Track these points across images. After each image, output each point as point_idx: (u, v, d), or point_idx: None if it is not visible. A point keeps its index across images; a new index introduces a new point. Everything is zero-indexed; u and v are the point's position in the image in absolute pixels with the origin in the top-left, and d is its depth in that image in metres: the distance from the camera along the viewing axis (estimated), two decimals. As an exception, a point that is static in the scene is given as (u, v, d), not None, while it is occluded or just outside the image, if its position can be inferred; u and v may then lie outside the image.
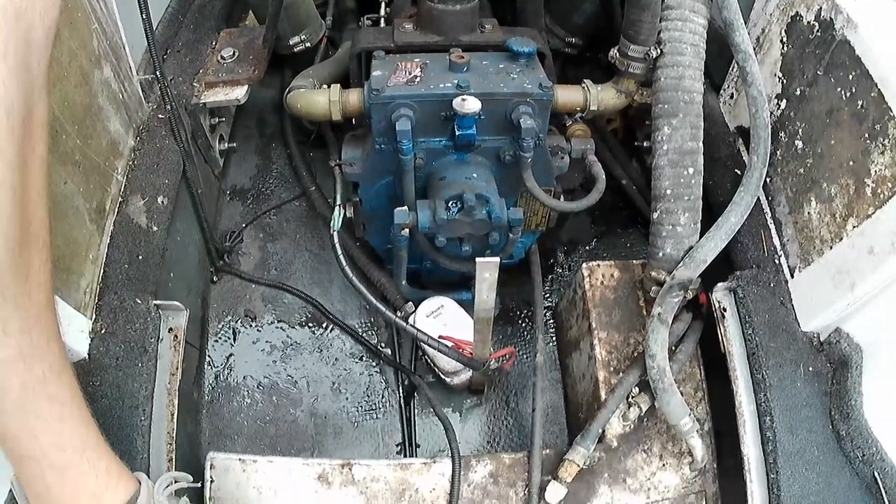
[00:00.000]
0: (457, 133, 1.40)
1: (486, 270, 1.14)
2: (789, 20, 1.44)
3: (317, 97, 1.54)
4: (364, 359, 1.82)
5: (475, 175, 1.45)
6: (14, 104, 0.68)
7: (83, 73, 1.33)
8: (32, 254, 0.76)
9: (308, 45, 1.93)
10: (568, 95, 1.60)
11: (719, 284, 1.42)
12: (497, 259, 1.11)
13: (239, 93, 1.76)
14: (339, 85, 1.54)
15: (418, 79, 1.43)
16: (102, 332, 1.27)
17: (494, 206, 1.38)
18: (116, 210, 1.44)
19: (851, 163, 1.23)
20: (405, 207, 1.41)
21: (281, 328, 1.85)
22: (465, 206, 1.36)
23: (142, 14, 1.44)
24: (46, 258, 0.81)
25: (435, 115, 1.41)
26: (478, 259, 1.12)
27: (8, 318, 0.73)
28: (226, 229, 2.00)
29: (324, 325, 1.86)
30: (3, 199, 0.68)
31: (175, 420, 1.35)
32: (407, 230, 1.41)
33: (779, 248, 1.43)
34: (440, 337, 1.54)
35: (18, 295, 0.73)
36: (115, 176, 1.45)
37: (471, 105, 1.34)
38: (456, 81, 1.40)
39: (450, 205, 1.38)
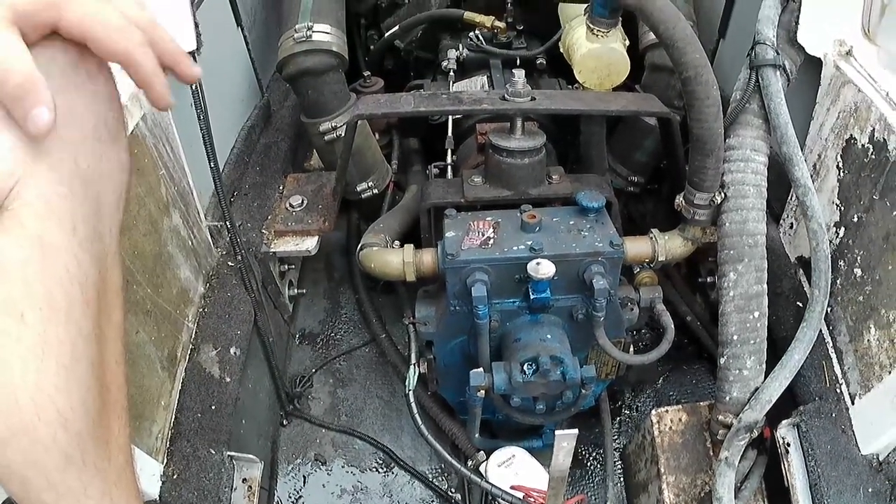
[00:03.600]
0: (531, 296, 1.42)
1: (565, 440, 1.16)
2: (844, 144, 1.41)
3: (390, 257, 1.55)
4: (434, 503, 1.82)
5: (549, 336, 1.45)
6: (88, 278, 0.66)
7: (152, 221, 1.33)
8: (112, 420, 0.76)
9: (376, 191, 1.96)
10: (637, 248, 1.60)
11: (784, 421, 1.41)
12: (575, 431, 1.12)
13: (309, 244, 1.80)
14: (412, 246, 1.56)
15: (492, 241, 1.45)
16: (175, 477, 1.28)
17: (568, 366, 1.38)
18: (188, 357, 1.45)
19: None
20: (481, 370, 1.42)
21: (351, 472, 1.85)
22: (541, 368, 1.37)
23: (210, 162, 1.48)
24: (125, 422, 0.80)
25: (509, 278, 1.43)
26: (557, 432, 1.12)
27: (89, 482, 0.73)
28: (295, 373, 2.02)
29: (394, 471, 1.86)
30: (83, 373, 0.67)
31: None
32: (483, 391, 1.42)
33: (840, 376, 1.41)
34: (512, 487, 1.54)
35: (99, 460, 0.73)
36: (185, 323, 1.46)
37: (545, 269, 1.36)
38: (529, 243, 1.42)
39: (525, 367, 1.39)
